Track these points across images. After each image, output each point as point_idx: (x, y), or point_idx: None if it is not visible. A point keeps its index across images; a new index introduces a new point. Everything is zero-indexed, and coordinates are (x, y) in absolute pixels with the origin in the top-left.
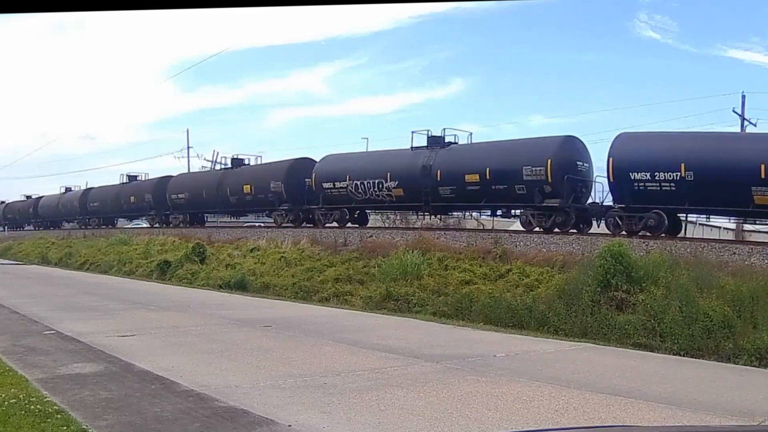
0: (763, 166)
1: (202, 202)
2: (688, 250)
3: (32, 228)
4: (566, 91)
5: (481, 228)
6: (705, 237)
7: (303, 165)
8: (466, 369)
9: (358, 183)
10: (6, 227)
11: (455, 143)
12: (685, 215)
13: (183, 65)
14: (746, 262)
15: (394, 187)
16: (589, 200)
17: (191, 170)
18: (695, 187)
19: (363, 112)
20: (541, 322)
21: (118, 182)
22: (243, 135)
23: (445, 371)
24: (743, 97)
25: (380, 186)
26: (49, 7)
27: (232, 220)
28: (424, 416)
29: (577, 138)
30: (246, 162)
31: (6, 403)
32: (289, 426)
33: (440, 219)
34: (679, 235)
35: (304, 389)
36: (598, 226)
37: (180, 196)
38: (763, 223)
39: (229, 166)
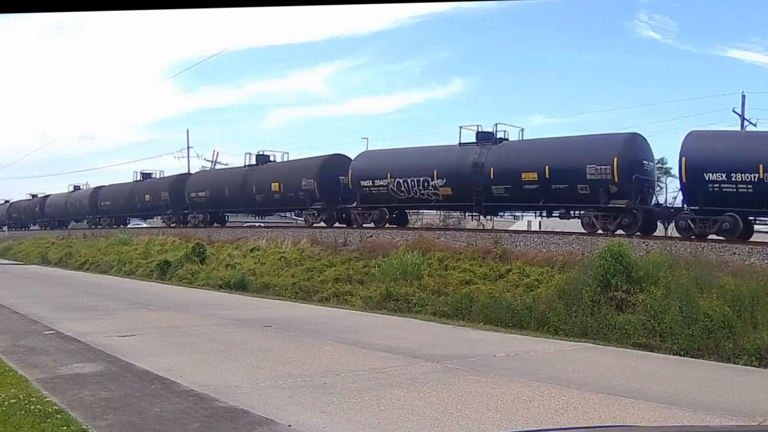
0: None
1: (224, 201)
2: (688, 250)
3: (38, 228)
4: (566, 91)
5: (481, 228)
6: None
7: (337, 162)
8: (466, 369)
9: (401, 181)
10: (11, 227)
11: (506, 139)
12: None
13: (183, 65)
14: (746, 262)
15: (441, 186)
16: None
17: (191, 170)
18: None
19: (363, 112)
20: (541, 322)
21: (130, 180)
22: (243, 135)
23: (445, 371)
24: (743, 97)
25: (425, 184)
26: (49, 7)
27: (254, 219)
28: (424, 416)
29: (641, 135)
30: (272, 158)
31: (6, 403)
32: (289, 426)
33: (490, 219)
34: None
35: (304, 389)
36: (665, 229)
37: (200, 194)
38: None
39: (254, 163)
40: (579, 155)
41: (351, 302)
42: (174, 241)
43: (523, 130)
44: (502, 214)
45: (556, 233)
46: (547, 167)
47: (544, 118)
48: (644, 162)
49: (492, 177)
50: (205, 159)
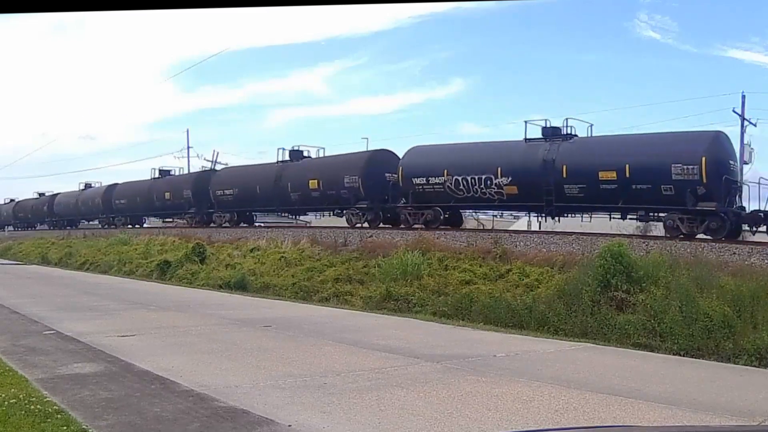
0: None
1: (254, 199)
2: (688, 250)
3: (46, 227)
4: (566, 91)
5: (481, 228)
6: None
7: (383, 158)
8: (466, 369)
9: (459, 179)
10: (17, 226)
11: (575, 135)
12: None
13: (183, 65)
14: (746, 262)
15: (506, 184)
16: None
17: (191, 170)
18: None
19: (363, 112)
20: (541, 322)
21: (138, 178)
22: (243, 135)
23: (445, 371)
24: (743, 97)
25: (488, 182)
26: (49, 7)
27: (284, 218)
28: (424, 416)
29: (724, 133)
30: (307, 154)
31: (6, 403)
32: (289, 426)
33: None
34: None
35: (304, 389)
36: (753, 234)
37: (227, 192)
38: None
39: (287, 158)
40: (663, 154)
41: (351, 302)
42: (174, 241)
43: (592, 125)
44: (577, 215)
45: (556, 233)
46: (627, 166)
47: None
48: (730, 162)
49: (565, 175)
50: (205, 159)
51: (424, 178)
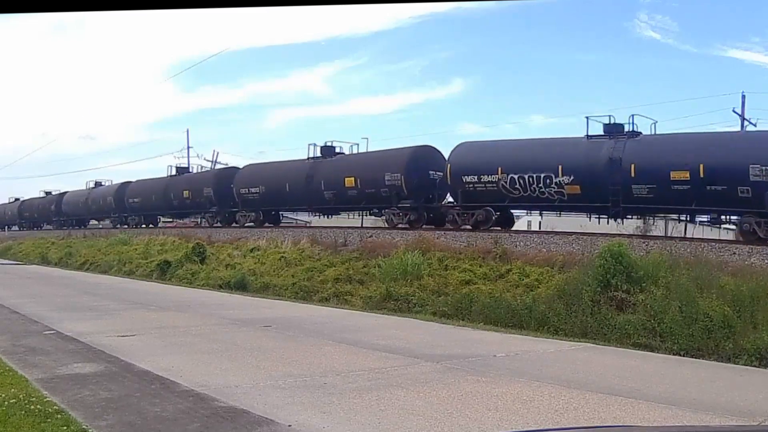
0: None
1: (282, 198)
2: (688, 250)
3: (53, 227)
4: (566, 91)
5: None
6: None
7: (427, 154)
8: (466, 369)
9: (515, 177)
10: (22, 226)
11: (639, 132)
12: None
13: (183, 65)
14: (746, 262)
15: (567, 183)
16: None
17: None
18: None
19: (363, 112)
20: (541, 322)
21: (165, 175)
22: (243, 135)
23: (445, 371)
24: (743, 97)
25: (547, 181)
26: (49, 7)
27: (315, 218)
28: (424, 416)
29: None
30: (339, 150)
31: (6, 403)
32: (289, 426)
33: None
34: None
35: (304, 389)
36: None
37: (252, 190)
38: None
39: (319, 155)
40: (740, 153)
41: (351, 302)
42: (174, 241)
43: (656, 123)
44: (647, 217)
45: (556, 233)
46: (701, 165)
47: (544, 118)
48: None
49: (633, 175)
50: (205, 159)
51: (476, 176)
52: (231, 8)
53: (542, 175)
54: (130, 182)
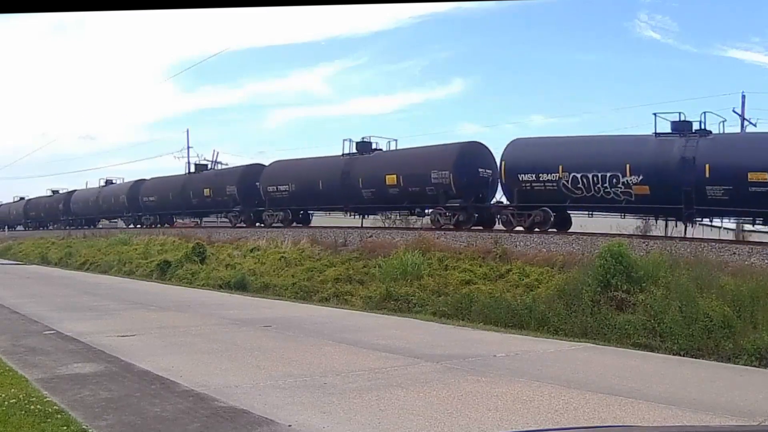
0: None
1: (314, 197)
2: (688, 250)
3: (62, 226)
4: (566, 91)
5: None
6: (705, 237)
7: (476, 151)
8: (466, 369)
9: (578, 176)
10: (28, 226)
11: (708, 131)
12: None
13: (183, 65)
14: (746, 262)
15: (635, 183)
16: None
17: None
18: None
19: (363, 112)
20: (541, 322)
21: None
22: (243, 135)
23: (445, 371)
24: (743, 97)
25: (614, 181)
26: (49, 7)
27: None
28: (424, 416)
29: None
30: (376, 146)
31: (6, 403)
32: (289, 426)
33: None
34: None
35: (304, 389)
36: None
37: (281, 188)
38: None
39: (354, 151)
40: None
41: (351, 302)
42: (174, 241)
43: (724, 121)
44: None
45: (556, 233)
46: None
47: (544, 118)
48: None
49: (707, 175)
50: (205, 159)
51: (533, 175)
52: (231, 8)
53: (608, 175)
54: (145, 180)
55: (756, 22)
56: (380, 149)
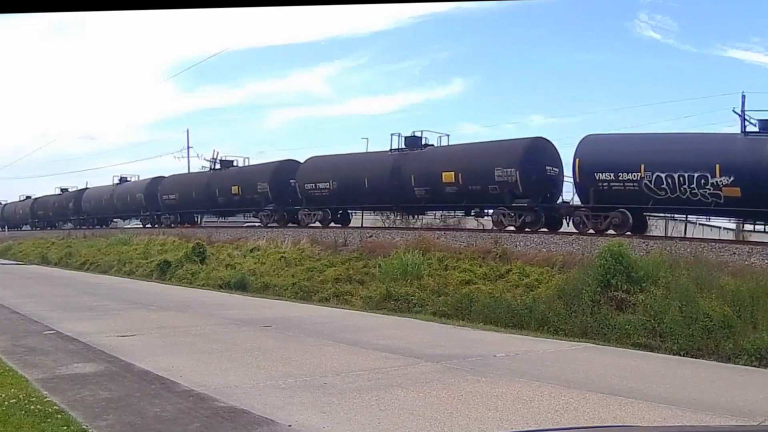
0: None
1: (360, 195)
2: (688, 250)
3: (72, 226)
4: (566, 91)
5: (481, 228)
6: (705, 237)
7: (543, 146)
8: (466, 369)
9: (663, 176)
10: (35, 225)
11: None
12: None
13: (183, 65)
14: (746, 262)
15: (725, 185)
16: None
17: (191, 171)
18: None
19: (363, 112)
20: (541, 322)
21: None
22: (243, 135)
23: (445, 371)
24: (743, 97)
25: (702, 182)
26: (49, 7)
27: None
28: (424, 416)
29: None
30: (427, 142)
31: (6, 403)
32: (289, 426)
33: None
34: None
35: (304, 389)
36: None
37: (320, 185)
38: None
39: (403, 147)
40: None
41: (351, 302)
42: (174, 241)
43: None
44: None
45: (556, 233)
46: None
47: (545, 118)
48: None
49: None
50: (205, 159)
51: (611, 174)
52: (231, 8)
53: (696, 175)
54: (163, 177)
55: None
56: (431, 144)
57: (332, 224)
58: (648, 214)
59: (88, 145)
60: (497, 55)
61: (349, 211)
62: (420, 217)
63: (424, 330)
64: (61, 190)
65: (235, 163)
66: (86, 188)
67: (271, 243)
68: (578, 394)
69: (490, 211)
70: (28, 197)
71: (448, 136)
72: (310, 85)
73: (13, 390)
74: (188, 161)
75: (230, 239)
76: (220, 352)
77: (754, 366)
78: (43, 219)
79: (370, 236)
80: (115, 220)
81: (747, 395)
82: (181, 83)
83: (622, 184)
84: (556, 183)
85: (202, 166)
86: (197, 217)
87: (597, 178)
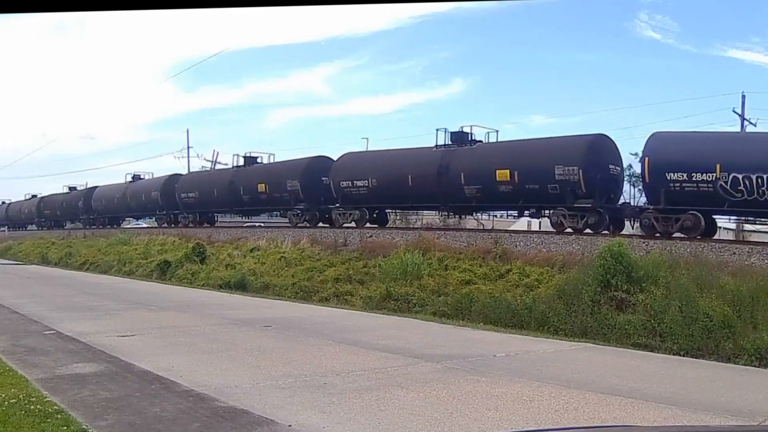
0: None
1: (402, 194)
2: (688, 250)
3: (82, 225)
4: (566, 91)
5: (481, 228)
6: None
7: (605, 144)
8: (466, 369)
9: (740, 177)
10: (40, 225)
11: None
12: None
13: (183, 65)
14: (746, 262)
15: None
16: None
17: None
18: None
19: (363, 112)
20: (541, 322)
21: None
22: (243, 135)
23: (445, 371)
24: (743, 97)
25: None
26: (49, 7)
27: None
28: (424, 416)
29: None
30: (472, 137)
31: (6, 403)
32: (289, 426)
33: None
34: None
35: (304, 389)
36: None
37: (358, 183)
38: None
39: (449, 142)
40: None
41: (351, 302)
42: (174, 241)
43: None
44: None
45: (556, 233)
46: None
47: (545, 118)
48: None
49: None
50: (205, 159)
51: (684, 174)
52: (231, 8)
53: None
54: (180, 174)
55: (756, 22)
56: (479, 140)
57: (369, 225)
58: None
59: (88, 145)
60: (497, 55)
61: (387, 211)
62: (465, 217)
63: (424, 330)
64: (69, 188)
65: (259, 160)
66: (96, 186)
67: (271, 243)
68: (578, 394)
69: (549, 212)
70: (33, 196)
71: (497, 131)
72: (310, 85)
73: (13, 390)
74: (188, 161)
75: (230, 239)
76: (220, 352)
77: (754, 366)
78: (50, 218)
79: (370, 236)
80: (127, 219)
81: (747, 395)
82: (181, 83)
83: (695, 184)
84: (619, 183)
85: (202, 166)
86: (216, 217)
87: (668, 178)
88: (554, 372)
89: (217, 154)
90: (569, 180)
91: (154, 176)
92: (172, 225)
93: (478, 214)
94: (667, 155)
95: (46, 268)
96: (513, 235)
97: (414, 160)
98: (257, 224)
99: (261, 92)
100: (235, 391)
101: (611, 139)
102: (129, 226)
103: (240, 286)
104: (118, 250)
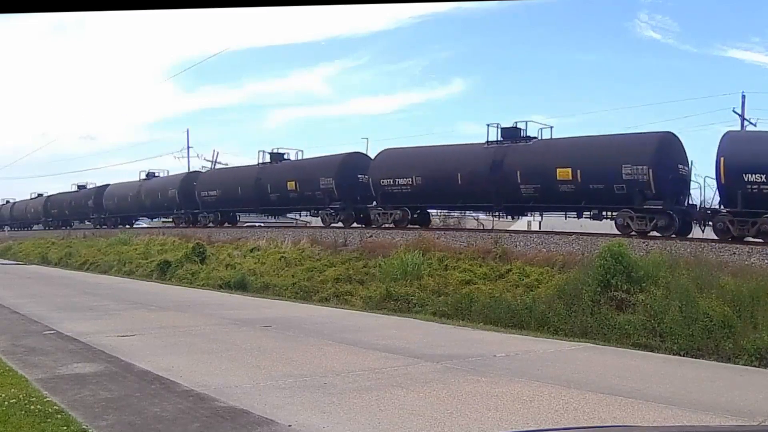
0: None
1: (450, 193)
2: (688, 250)
3: (92, 225)
4: (566, 91)
5: (481, 228)
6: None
7: (673, 143)
8: (466, 369)
9: None
10: (48, 225)
11: None
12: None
13: (183, 65)
14: (746, 262)
15: None
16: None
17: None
18: None
19: (363, 112)
20: (541, 322)
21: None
22: (243, 135)
23: (445, 371)
24: (743, 97)
25: None
26: (49, 7)
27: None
28: (424, 416)
29: None
30: (525, 133)
31: (6, 403)
32: (289, 426)
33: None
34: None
35: (304, 389)
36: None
37: (400, 182)
38: None
39: (500, 138)
40: None
41: (351, 302)
42: (174, 241)
43: None
44: None
45: (556, 233)
46: None
47: (545, 118)
48: None
49: None
50: (205, 159)
51: (762, 175)
52: (231, 8)
53: None
54: (200, 172)
55: (756, 22)
56: (534, 138)
57: (409, 225)
58: None
59: (88, 145)
60: (497, 55)
61: (429, 211)
62: (517, 217)
63: (424, 330)
64: (78, 186)
65: (286, 156)
66: (108, 184)
67: (271, 243)
68: (578, 394)
69: (613, 213)
70: (39, 195)
71: (551, 128)
72: (310, 85)
73: (13, 390)
74: (188, 161)
75: (230, 239)
76: (220, 352)
77: (754, 366)
78: (57, 218)
79: (370, 236)
80: (141, 218)
81: (747, 395)
82: (181, 83)
83: None
84: (688, 183)
85: (203, 166)
86: (238, 216)
87: (746, 179)
88: (554, 372)
89: (217, 154)
90: (638, 180)
91: (170, 173)
92: (191, 225)
93: (534, 214)
94: (743, 156)
95: (46, 268)
96: (513, 235)
97: (464, 156)
98: (292, 222)
99: (261, 92)
100: (235, 391)
101: (678, 138)
102: (143, 226)
103: (240, 286)
104: (118, 250)
